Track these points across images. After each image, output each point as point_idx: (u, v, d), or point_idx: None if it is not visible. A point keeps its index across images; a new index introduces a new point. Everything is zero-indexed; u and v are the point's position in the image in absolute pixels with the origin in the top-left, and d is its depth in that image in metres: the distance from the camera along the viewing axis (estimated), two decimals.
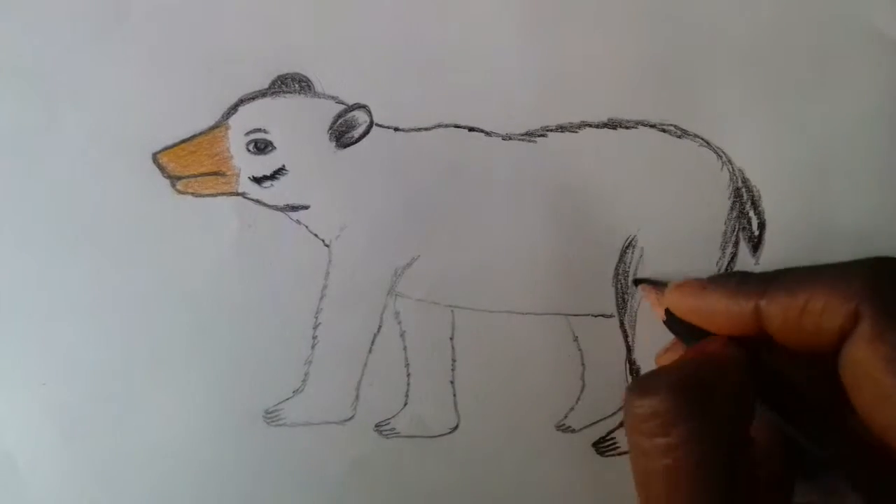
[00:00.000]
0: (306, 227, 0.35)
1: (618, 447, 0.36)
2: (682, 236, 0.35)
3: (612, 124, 0.34)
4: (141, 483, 0.35)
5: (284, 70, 0.34)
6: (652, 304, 0.33)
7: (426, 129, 0.34)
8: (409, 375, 0.36)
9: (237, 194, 0.35)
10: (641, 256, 0.35)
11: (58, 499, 0.35)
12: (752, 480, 0.25)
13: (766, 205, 0.34)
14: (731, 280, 0.29)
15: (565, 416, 0.36)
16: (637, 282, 0.34)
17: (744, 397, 0.27)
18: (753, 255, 0.35)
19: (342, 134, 0.34)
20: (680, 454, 0.24)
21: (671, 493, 0.24)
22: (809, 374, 0.27)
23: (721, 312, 0.28)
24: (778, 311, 0.26)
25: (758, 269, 0.35)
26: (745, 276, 0.28)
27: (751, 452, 0.26)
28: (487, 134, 0.34)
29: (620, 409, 0.36)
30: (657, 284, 0.33)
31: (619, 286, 0.35)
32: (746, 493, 0.25)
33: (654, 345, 0.35)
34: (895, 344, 0.24)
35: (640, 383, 0.26)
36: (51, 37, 0.34)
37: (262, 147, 0.34)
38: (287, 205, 0.35)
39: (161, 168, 0.34)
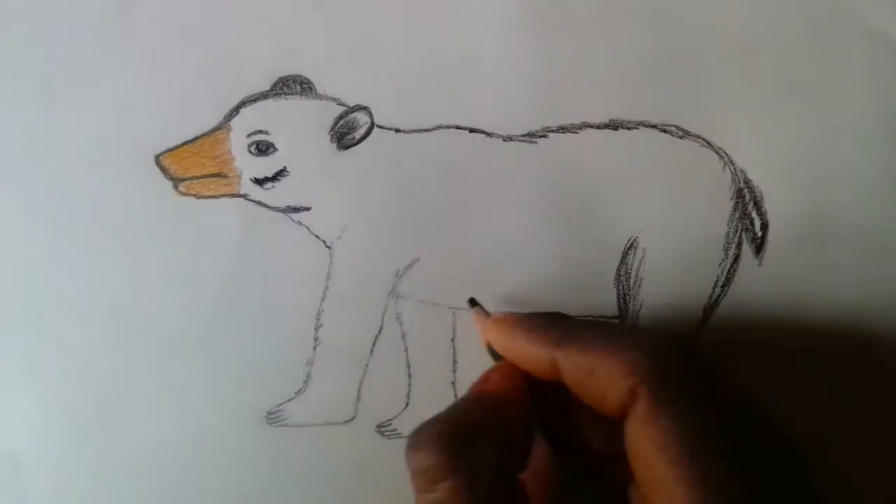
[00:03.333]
0: (308, 228, 0.35)
1: None
2: (684, 238, 0.35)
3: (614, 125, 0.34)
4: (144, 483, 0.35)
5: (286, 72, 0.34)
6: (479, 330, 0.32)
7: (427, 130, 0.34)
8: (410, 377, 0.36)
9: (239, 196, 0.35)
10: (643, 258, 0.35)
11: (61, 499, 0.35)
12: None
13: (769, 205, 0.34)
14: (538, 324, 0.28)
15: None
16: (471, 302, 0.34)
17: (517, 438, 0.26)
18: (757, 257, 0.35)
19: (343, 135, 0.34)
20: None
21: None
22: (604, 429, 0.27)
23: (524, 356, 0.28)
24: (570, 367, 0.26)
25: (761, 270, 0.35)
26: (554, 322, 0.28)
27: (521, 492, 0.26)
28: (488, 135, 0.34)
29: None
30: (485, 310, 0.33)
31: (620, 288, 0.35)
32: None
33: None
34: (667, 428, 0.23)
35: (412, 437, 0.26)
36: (53, 38, 0.34)
37: (263, 149, 0.35)
38: (288, 206, 0.35)
39: (163, 170, 0.34)
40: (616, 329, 0.27)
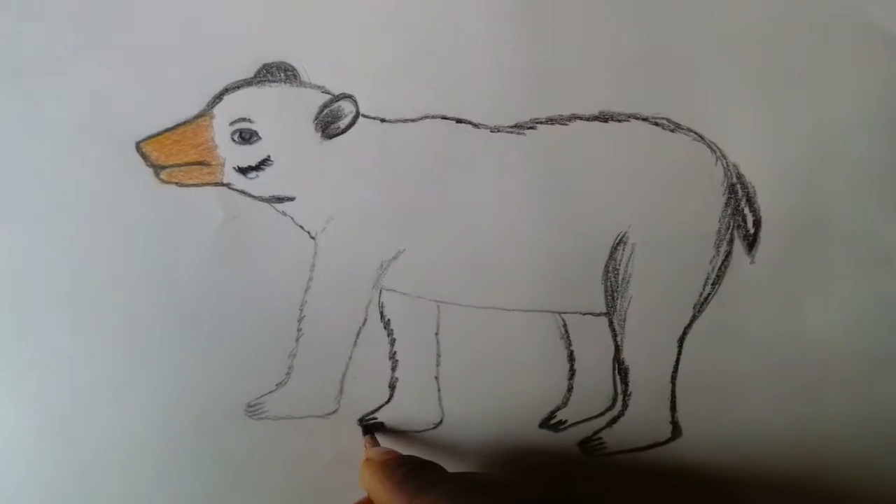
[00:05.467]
0: (292, 218, 0.34)
1: (605, 447, 0.35)
2: (674, 233, 0.34)
3: (604, 117, 0.33)
4: (121, 476, 0.35)
5: (270, 59, 0.34)
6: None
7: (413, 120, 0.34)
8: (393, 370, 0.35)
9: (222, 185, 0.34)
10: (632, 254, 0.34)
11: (35, 492, 0.35)
12: None
13: (762, 201, 0.33)
14: (397, 474, 0.29)
15: (551, 415, 0.35)
16: (364, 429, 0.35)
17: None
18: (749, 254, 0.34)
19: (328, 124, 0.34)
20: None
21: None
22: None
23: (378, 502, 0.29)
24: None
25: (753, 268, 0.34)
26: (410, 476, 0.29)
27: None
28: (475, 126, 0.34)
29: (608, 409, 0.35)
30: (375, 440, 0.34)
31: (608, 284, 0.34)
32: None
33: (644, 344, 0.35)
34: None
35: None
36: (34, 25, 0.33)
37: (247, 137, 0.34)
38: (272, 196, 0.34)
39: (144, 157, 0.34)
40: (463, 485, 0.28)
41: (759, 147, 0.33)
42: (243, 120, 0.34)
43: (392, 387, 0.35)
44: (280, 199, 0.34)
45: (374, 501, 0.30)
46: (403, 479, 0.29)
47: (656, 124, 0.33)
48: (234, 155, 0.34)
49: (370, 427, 0.35)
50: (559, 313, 0.35)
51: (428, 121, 0.34)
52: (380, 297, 0.35)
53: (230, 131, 0.34)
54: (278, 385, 0.35)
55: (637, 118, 0.33)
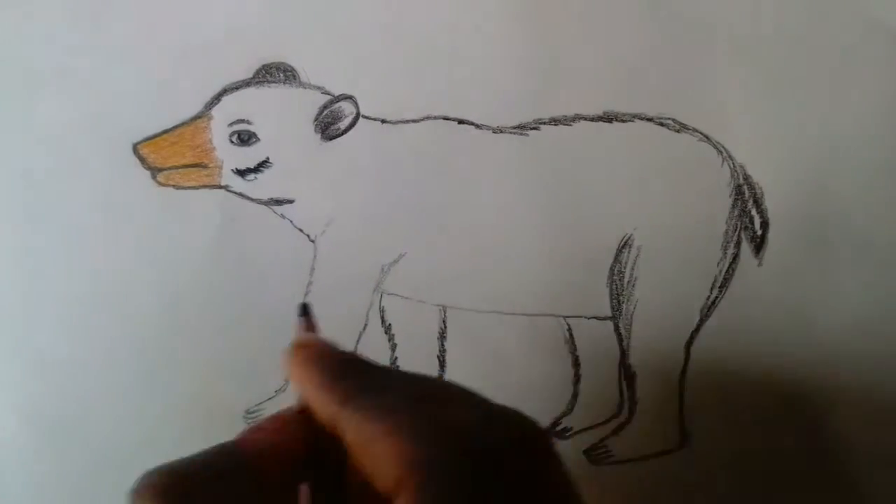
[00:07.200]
0: (291, 221, 0.34)
1: (611, 455, 0.35)
2: (680, 235, 0.33)
3: (608, 117, 0.33)
4: (117, 483, 0.34)
5: (269, 59, 0.33)
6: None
7: (414, 121, 0.33)
8: None
9: (220, 187, 0.34)
10: (638, 256, 0.33)
11: (31, 497, 0.34)
12: None
13: (770, 203, 0.33)
14: (332, 372, 0.24)
15: (556, 422, 0.34)
16: (302, 308, 0.28)
17: (270, 498, 0.23)
18: (757, 256, 0.33)
19: (328, 125, 0.33)
20: None
21: None
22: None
23: (310, 400, 0.24)
24: (349, 430, 0.22)
25: (760, 270, 0.33)
26: (346, 373, 0.24)
27: None
28: (478, 127, 0.33)
29: (614, 415, 0.35)
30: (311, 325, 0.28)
31: (614, 287, 0.34)
32: None
33: (651, 349, 0.34)
34: None
35: (135, 483, 0.22)
36: (31, 24, 0.33)
37: (245, 138, 0.34)
38: (271, 198, 0.34)
39: (141, 159, 0.33)
40: (408, 397, 0.23)
41: (767, 147, 0.33)
42: (242, 121, 0.33)
43: None
44: (279, 202, 0.34)
45: (298, 394, 0.25)
46: (339, 377, 0.24)
47: (661, 124, 0.33)
48: (233, 157, 0.34)
49: (308, 307, 0.29)
50: (563, 317, 0.34)
51: (429, 122, 0.33)
52: (381, 301, 0.34)
53: (228, 133, 0.33)
54: (277, 391, 0.34)
55: (642, 118, 0.33)
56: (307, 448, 0.24)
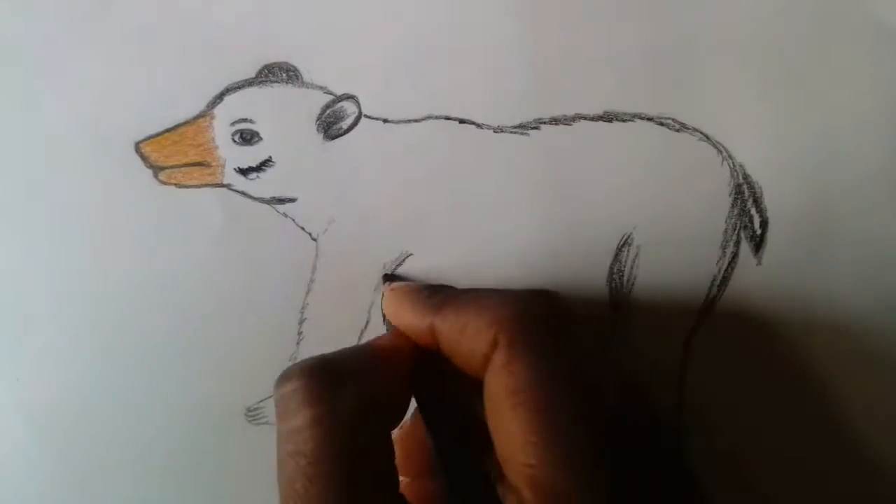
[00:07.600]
0: (293, 220, 0.34)
1: None
2: (680, 234, 0.34)
3: (608, 117, 0.33)
4: (118, 482, 0.35)
5: (271, 59, 0.33)
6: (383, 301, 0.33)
7: (416, 120, 0.33)
8: None
9: (222, 186, 0.34)
10: (637, 255, 0.34)
11: (34, 497, 0.34)
12: (384, 480, 0.25)
13: (769, 202, 0.33)
14: (423, 293, 0.29)
15: None
16: (386, 277, 0.34)
17: (392, 392, 0.26)
18: (756, 255, 0.34)
19: (330, 125, 0.34)
20: (300, 438, 0.24)
21: (292, 481, 0.24)
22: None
23: (407, 322, 0.28)
24: (445, 329, 0.26)
25: (759, 269, 0.33)
26: (436, 291, 0.29)
27: (387, 444, 0.25)
28: (478, 126, 0.33)
29: None
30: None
31: (613, 286, 0.34)
32: (372, 489, 0.24)
33: (649, 347, 0.34)
34: (520, 375, 0.23)
35: (286, 370, 0.26)
36: (32, 23, 0.33)
37: (248, 138, 0.34)
38: (273, 197, 0.34)
39: (143, 158, 0.33)
40: (491, 290, 0.28)
41: (766, 147, 0.33)
42: (244, 120, 0.34)
43: None
44: (281, 201, 0.34)
45: (400, 325, 0.29)
46: (430, 295, 0.28)
47: (662, 124, 0.33)
48: (235, 156, 0.34)
49: (391, 276, 0.34)
50: None
51: (431, 121, 0.33)
52: (382, 299, 0.34)
53: (231, 132, 0.34)
54: None
55: (642, 118, 0.33)
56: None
